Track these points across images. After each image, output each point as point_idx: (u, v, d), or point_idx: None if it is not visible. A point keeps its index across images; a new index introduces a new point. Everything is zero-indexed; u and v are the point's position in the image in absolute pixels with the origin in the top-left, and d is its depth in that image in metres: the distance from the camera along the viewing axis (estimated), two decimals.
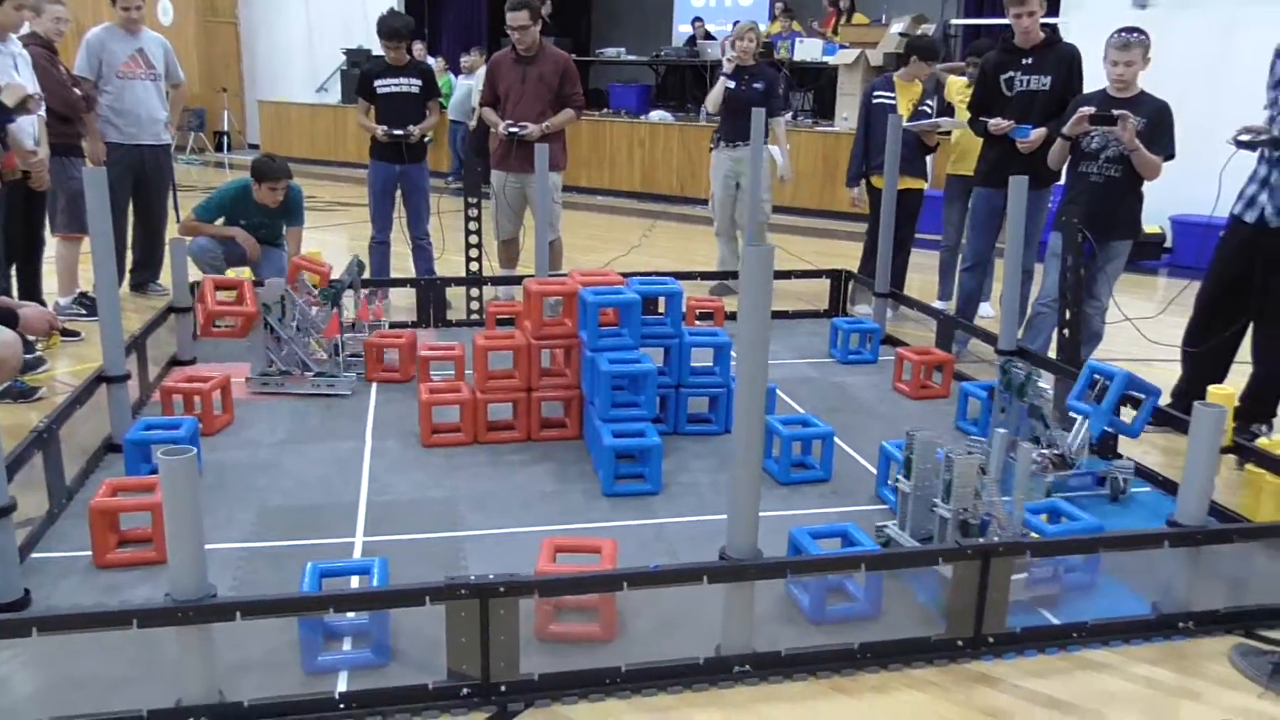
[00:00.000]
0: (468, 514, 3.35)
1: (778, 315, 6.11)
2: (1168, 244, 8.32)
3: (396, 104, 5.95)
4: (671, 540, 3.20)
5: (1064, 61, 4.92)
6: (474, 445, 3.94)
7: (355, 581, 2.67)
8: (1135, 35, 4.30)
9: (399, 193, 6.10)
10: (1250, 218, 3.96)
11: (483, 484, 3.60)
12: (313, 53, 14.48)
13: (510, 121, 5.78)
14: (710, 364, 4.17)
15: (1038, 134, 4.93)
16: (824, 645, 2.56)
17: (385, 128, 5.89)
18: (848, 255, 7.42)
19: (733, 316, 5.94)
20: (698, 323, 5.64)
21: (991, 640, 2.64)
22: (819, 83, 11.89)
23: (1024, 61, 4.98)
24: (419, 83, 6.00)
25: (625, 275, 5.68)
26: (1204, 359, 4.16)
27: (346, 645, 2.57)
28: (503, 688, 2.36)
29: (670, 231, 9.57)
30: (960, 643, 2.62)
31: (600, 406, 3.70)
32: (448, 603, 2.29)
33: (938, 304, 6.07)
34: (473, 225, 5.57)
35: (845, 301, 6.19)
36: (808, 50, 11.66)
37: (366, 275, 5.36)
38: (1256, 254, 3.93)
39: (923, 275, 6.95)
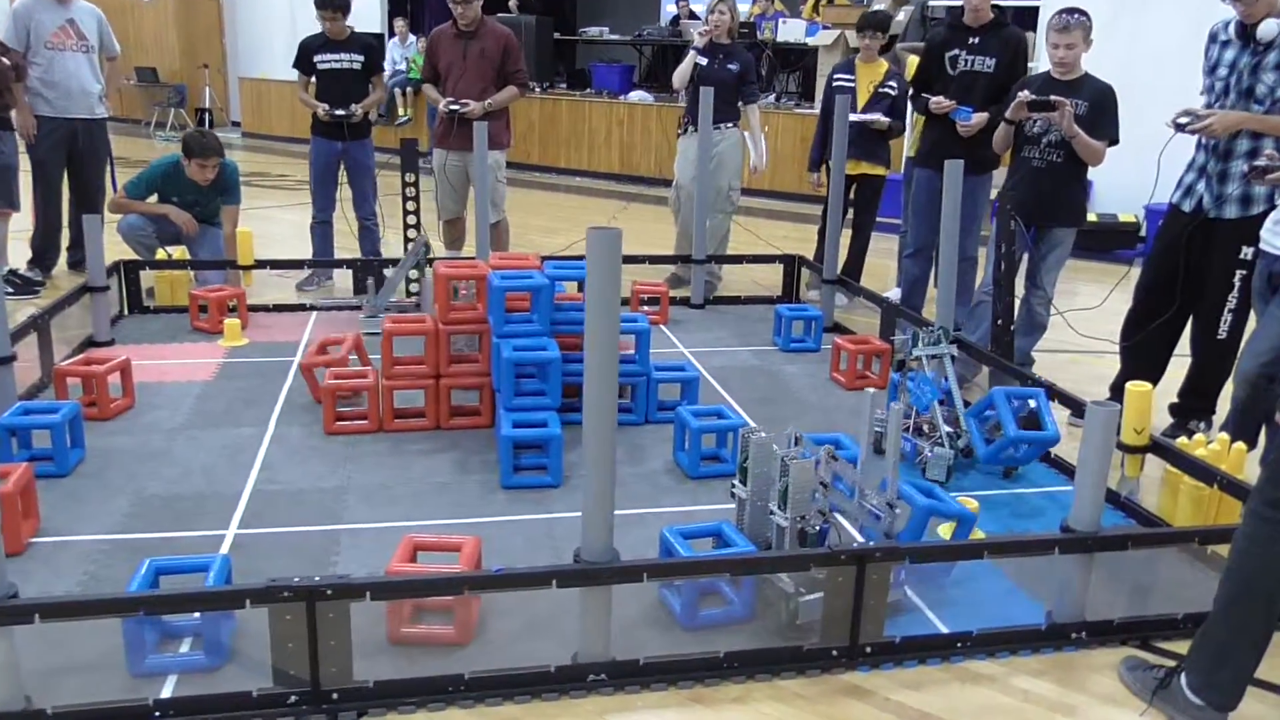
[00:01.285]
0: (354, 506, 3.23)
1: (726, 301, 6.00)
2: (1143, 233, 8.12)
3: (338, 80, 5.79)
4: (561, 537, 3.07)
5: (1010, 45, 4.78)
6: (379, 433, 3.81)
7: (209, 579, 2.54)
8: (1076, 17, 4.12)
9: (343, 171, 5.95)
10: (1187, 206, 3.80)
11: (378, 474, 3.47)
12: (295, 28, 14.24)
13: (451, 99, 5.61)
14: (630, 351, 4.03)
15: (979, 119, 4.80)
16: (686, 654, 2.43)
17: (326, 106, 5.73)
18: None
19: (684, 301, 5.82)
20: (643, 308, 5.52)
21: (869, 650, 2.50)
22: (803, 64, 11.69)
23: (970, 41, 4.83)
24: (361, 58, 5.84)
25: (574, 258, 5.62)
26: (1141, 353, 4.00)
27: (185, 646, 2.44)
28: (334, 695, 2.24)
29: (643, 214, 9.40)
30: (835, 652, 2.49)
31: (504, 395, 3.57)
32: (270, 606, 2.16)
33: (893, 291, 5.90)
34: (411, 206, 5.42)
35: (797, 288, 6.02)
36: (791, 31, 11.44)
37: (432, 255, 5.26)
38: (1193, 244, 3.76)
39: (886, 261, 6.79)
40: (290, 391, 4.20)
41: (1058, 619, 2.63)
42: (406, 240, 5.47)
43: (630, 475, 3.52)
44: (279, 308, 5.39)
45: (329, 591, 2.17)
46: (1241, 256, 3.67)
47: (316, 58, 5.80)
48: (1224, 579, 2.26)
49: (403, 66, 12.32)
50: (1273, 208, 3.50)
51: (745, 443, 2.78)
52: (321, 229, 5.97)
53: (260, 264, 5.41)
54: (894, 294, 5.67)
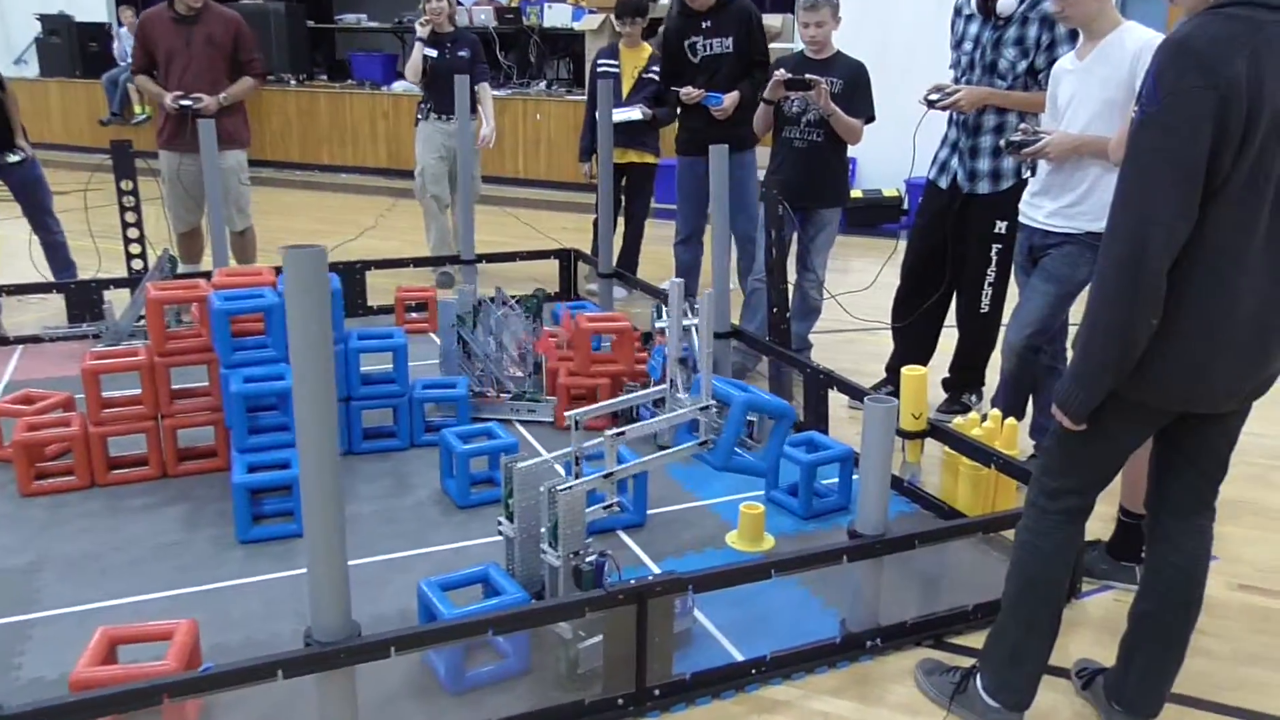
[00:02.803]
0: (51, 586, 2.69)
1: None
2: (905, 206, 8.39)
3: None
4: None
5: (741, 21, 4.72)
6: (90, 489, 3.24)
7: None
8: None
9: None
10: (944, 183, 3.78)
11: (85, 542, 2.93)
12: (5, 20, 12.69)
13: (179, 93, 4.94)
14: (388, 369, 3.63)
15: (730, 100, 4.72)
16: None
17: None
18: None
19: None
20: (411, 316, 5.11)
21: (658, 693, 2.25)
22: (571, 50, 11.42)
23: (703, 25, 4.75)
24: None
25: (358, 263, 5.14)
26: (911, 332, 3.97)
27: None
28: None
29: (412, 211, 8.84)
30: (621, 700, 2.23)
31: (236, 434, 3.10)
32: None
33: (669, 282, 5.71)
34: (131, 217, 4.75)
35: (574, 282, 5.75)
36: (557, 16, 11.13)
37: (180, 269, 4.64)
38: (952, 220, 3.74)
39: (668, 249, 6.62)
40: None
41: (852, 627, 2.49)
42: (130, 258, 4.80)
43: (396, 509, 3.18)
44: None
45: None
46: (996, 231, 3.68)
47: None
48: (1010, 575, 2.16)
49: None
50: (1022, 182, 3.52)
51: (508, 474, 2.46)
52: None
53: None
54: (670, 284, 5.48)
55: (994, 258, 3.71)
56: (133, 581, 2.72)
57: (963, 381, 4.03)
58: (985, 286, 3.75)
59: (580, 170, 6.09)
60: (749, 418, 3.20)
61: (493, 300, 3.92)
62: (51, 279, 5.05)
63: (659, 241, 6.23)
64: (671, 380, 2.94)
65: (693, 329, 3.60)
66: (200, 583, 2.73)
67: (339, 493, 1.89)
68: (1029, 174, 3.25)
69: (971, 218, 3.72)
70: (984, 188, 3.67)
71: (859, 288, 4.49)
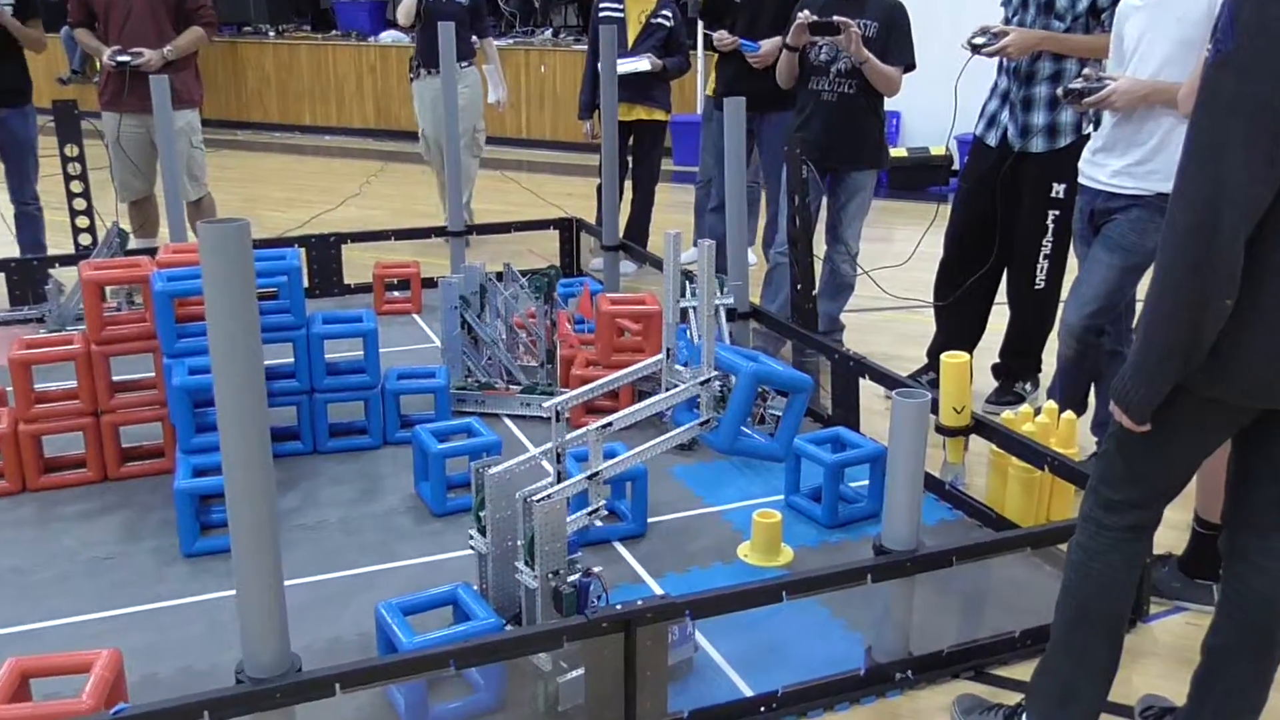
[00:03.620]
0: None
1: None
2: (955, 166, 8.20)
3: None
4: None
5: None
6: (21, 495, 3.19)
7: None
8: None
9: None
10: (992, 140, 3.64)
11: (10, 556, 2.88)
12: None
13: (119, 47, 4.86)
14: (359, 357, 3.54)
15: (769, 46, 4.60)
16: None
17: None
18: None
19: (431, 283, 5.33)
20: (393, 295, 5.04)
21: None
22: None
23: None
24: None
25: (331, 236, 5.06)
26: (956, 312, 3.84)
27: None
28: None
29: (402, 176, 8.82)
30: None
31: (181, 433, 3.04)
32: None
33: (690, 252, 5.60)
34: (77, 186, 4.70)
35: (578, 256, 5.65)
36: None
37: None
38: (1002, 183, 3.60)
39: (683, 217, 6.51)
40: None
41: (878, 657, 2.39)
42: (76, 230, 4.75)
43: (363, 517, 3.12)
44: None
45: None
46: (1053, 194, 3.54)
47: None
48: (1061, 600, 2.04)
49: None
50: (1082, 138, 3.38)
51: (479, 480, 2.37)
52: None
53: None
54: (691, 255, 5.37)
55: (1050, 226, 3.57)
56: (60, 601, 2.67)
57: (1015, 368, 3.90)
58: (1040, 259, 3.61)
59: (582, 130, 6.00)
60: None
61: (500, 278, 3.82)
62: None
63: (674, 209, 6.12)
64: (668, 349, 2.81)
65: (720, 309, 3.52)
66: (137, 602, 2.67)
67: (272, 503, 1.83)
68: (1091, 128, 3.12)
69: (1024, 180, 3.58)
70: (1038, 145, 3.53)
71: (898, 261, 4.35)
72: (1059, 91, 3.15)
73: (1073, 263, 3.36)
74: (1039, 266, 3.62)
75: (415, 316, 4.90)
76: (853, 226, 4.20)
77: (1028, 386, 3.90)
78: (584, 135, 5.98)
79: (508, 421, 3.73)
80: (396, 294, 5.06)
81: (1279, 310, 1.69)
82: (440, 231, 5.43)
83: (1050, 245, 3.59)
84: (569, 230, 5.65)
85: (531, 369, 3.80)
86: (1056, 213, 3.55)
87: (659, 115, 5.57)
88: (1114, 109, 2.90)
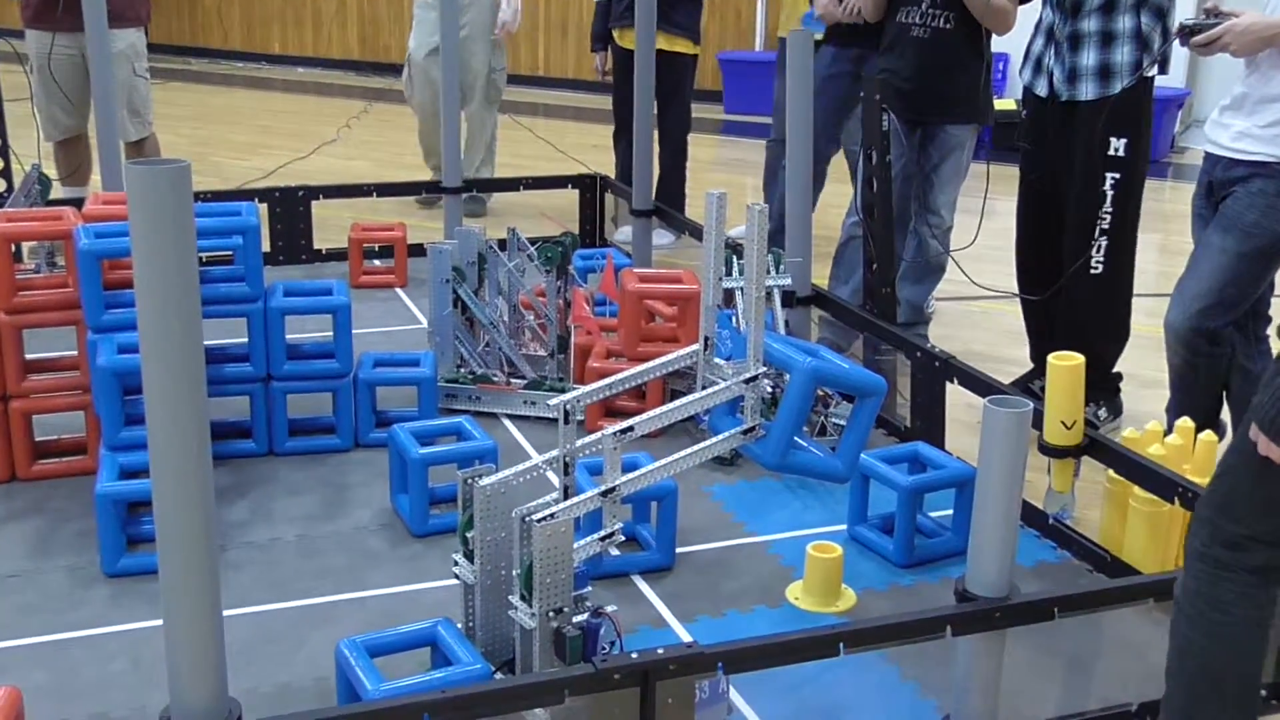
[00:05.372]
0: None
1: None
2: None
3: None
4: None
5: None
6: None
7: None
8: None
9: None
10: (1041, 88, 3.69)
11: None
12: None
13: None
14: (328, 338, 3.61)
15: None
16: None
17: None
18: None
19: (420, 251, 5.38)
20: (373, 264, 5.18)
21: None
22: None
23: None
24: None
25: (300, 190, 5.14)
26: (1046, 307, 3.84)
27: None
28: None
29: (389, 117, 9.00)
30: None
31: (107, 425, 3.12)
32: None
33: (738, 229, 5.61)
34: None
35: (602, 221, 5.71)
36: None
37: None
38: (1053, 141, 3.64)
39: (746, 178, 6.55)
40: None
41: None
42: None
43: (327, 535, 3.20)
44: None
45: None
46: (1112, 152, 3.54)
47: None
48: (1171, 665, 2.09)
49: None
50: (1143, 81, 3.35)
51: (469, 493, 2.40)
52: None
53: None
54: (740, 231, 5.36)
55: (1109, 193, 3.57)
56: None
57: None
58: (1097, 235, 3.60)
59: (592, 65, 6.12)
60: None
61: (503, 246, 3.83)
62: None
63: (721, 167, 6.15)
64: (706, 339, 2.82)
65: (774, 292, 3.53)
66: (45, 631, 2.73)
67: (210, 514, 1.86)
68: (1153, 71, 3.08)
69: (1076, 135, 3.62)
70: (1088, 90, 3.55)
71: (1001, 239, 4.34)
72: (1173, 26, 3.13)
73: (1147, 244, 3.33)
74: (1096, 245, 3.60)
75: (399, 291, 5.01)
76: (946, 193, 4.23)
77: (1101, 413, 3.85)
78: (593, 72, 6.07)
79: (507, 423, 3.79)
80: (377, 262, 5.19)
81: None
82: (433, 188, 5.51)
83: (1110, 217, 3.59)
84: (592, 190, 5.75)
85: (538, 359, 3.84)
86: (1116, 175, 3.55)
87: (685, 46, 5.62)
88: (1230, 52, 2.87)
